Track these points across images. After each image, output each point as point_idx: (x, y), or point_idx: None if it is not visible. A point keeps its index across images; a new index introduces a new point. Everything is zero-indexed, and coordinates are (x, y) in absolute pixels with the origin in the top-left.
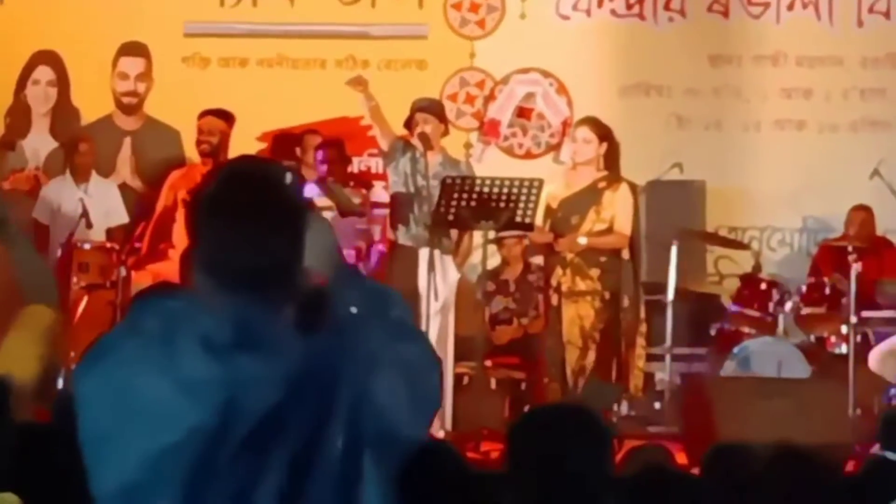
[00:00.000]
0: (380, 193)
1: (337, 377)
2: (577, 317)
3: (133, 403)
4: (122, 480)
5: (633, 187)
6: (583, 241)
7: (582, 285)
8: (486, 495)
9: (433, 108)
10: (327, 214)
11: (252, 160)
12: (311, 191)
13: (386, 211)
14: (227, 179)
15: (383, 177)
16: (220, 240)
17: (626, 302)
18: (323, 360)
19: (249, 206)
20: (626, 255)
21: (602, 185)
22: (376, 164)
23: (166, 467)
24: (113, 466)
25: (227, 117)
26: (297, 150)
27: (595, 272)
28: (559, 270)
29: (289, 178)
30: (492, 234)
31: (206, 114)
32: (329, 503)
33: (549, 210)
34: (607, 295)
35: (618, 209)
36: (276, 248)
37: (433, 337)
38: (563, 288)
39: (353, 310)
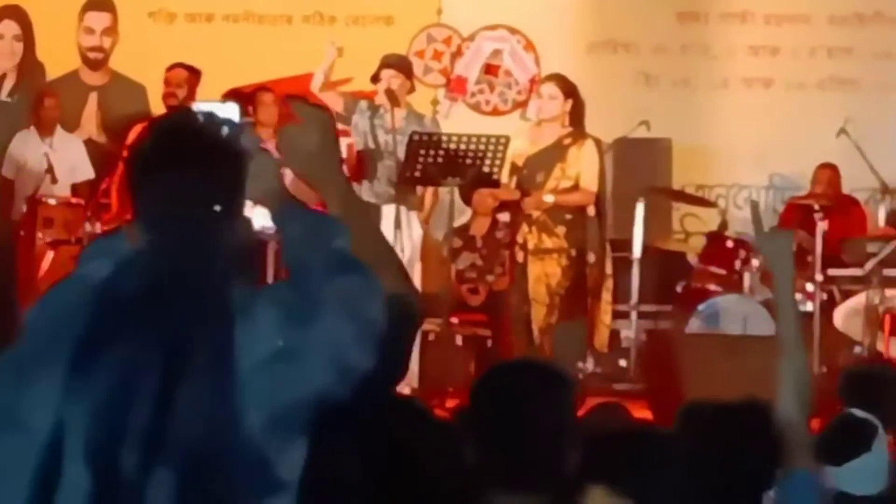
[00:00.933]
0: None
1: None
2: (544, 274)
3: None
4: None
5: (599, 143)
6: (549, 198)
7: (548, 242)
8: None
9: (400, 65)
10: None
11: (186, 113)
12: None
13: (345, 167)
14: (160, 133)
15: (345, 133)
16: (154, 193)
17: (591, 259)
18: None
19: (182, 158)
20: (592, 212)
21: (567, 141)
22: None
23: None
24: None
25: (194, 71)
26: (250, 108)
27: (561, 229)
28: (525, 227)
29: (225, 130)
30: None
31: (174, 67)
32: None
33: (514, 167)
34: (573, 252)
35: (583, 166)
36: (209, 199)
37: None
38: (530, 245)
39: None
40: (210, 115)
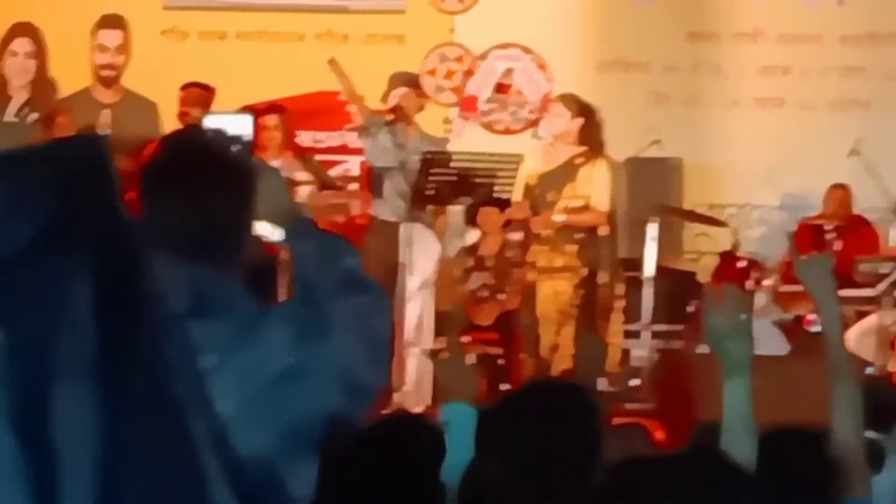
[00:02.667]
0: (354, 168)
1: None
2: (554, 293)
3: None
4: None
5: (612, 163)
6: (559, 218)
7: (558, 261)
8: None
9: (410, 83)
10: (305, 189)
11: (196, 130)
12: (290, 165)
13: (357, 185)
14: (171, 149)
15: (360, 151)
16: (165, 210)
17: (603, 278)
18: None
19: (192, 175)
20: (604, 231)
21: (579, 160)
22: (354, 139)
23: None
24: None
25: (208, 90)
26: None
27: (572, 248)
28: (536, 246)
29: (235, 144)
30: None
31: (188, 86)
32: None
33: (527, 187)
34: (584, 271)
35: (595, 186)
36: (219, 216)
37: (414, 312)
38: (540, 264)
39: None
40: (220, 132)
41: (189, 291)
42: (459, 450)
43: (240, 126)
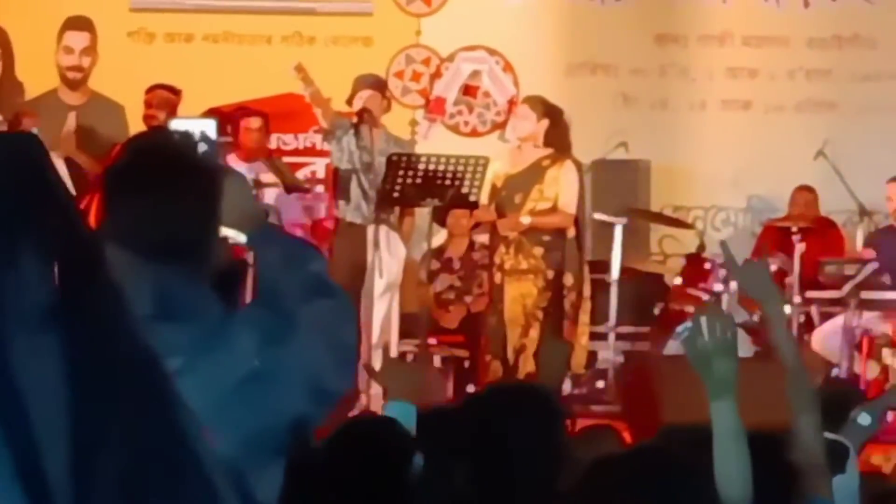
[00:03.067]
0: (320, 170)
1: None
2: (520, 295)
3: None
4: None
5: (579, 165)
6: (525, 220)
7: (525, 264)
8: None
9: (376, 84)
10: (272, 191)
11: (161, 132)
12: (256, 167)
13: (322, 188)
14: (135, 152)
15: (327, 153)
16: (130, 213)
17: (569, 281)
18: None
19: (157, 178)
20: (571, 233)
21: (546, 163)
22: (320, 141)
23: None
24: None
25: (174, 92)
26: (228, 128)
27: (538, 251)
28: (502, 248)
29: (201, 147)
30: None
31: (154, 88)
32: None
33: (494, 189)
34: (550, 274)
35: (562, 187)
36: (185, 219)
37: (380, 315)
38: (506, 266)
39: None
40: (185, 135)
41: (153, 295)
42: None
43: (204, 129)
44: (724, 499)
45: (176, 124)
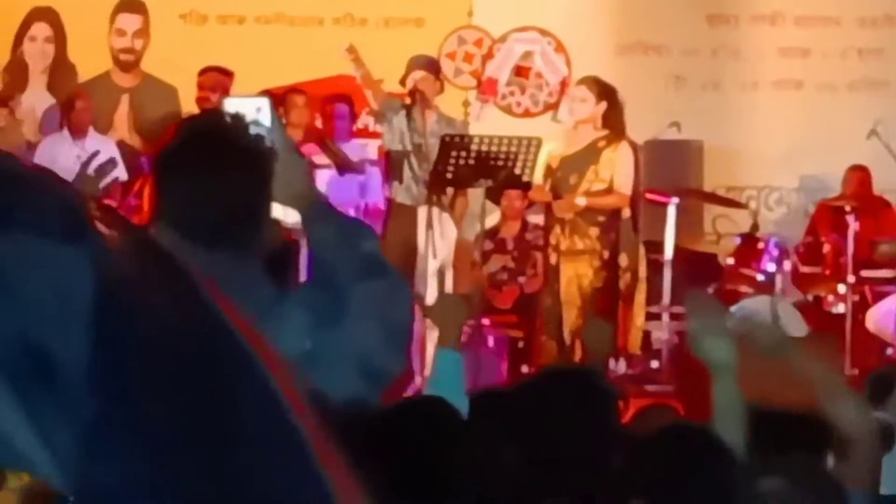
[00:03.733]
0: (372, 151)
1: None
2: (576, 276)
3: None
4: None
5: (634, 146)
6: (581, 201)
7: (580, 244)
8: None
9: (429, 66)
10: (325, 172)
11: (214, 114)
12: (309, 150)
13: (376, 168)
14: (187, 134)
15: (379, 135)
16: (181, 195)
17: (624, 261)
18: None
19: (209, 161)
20: (626, 214)
21: (602, 144)
22: (374, 123)
23: None
24: None
25: (227, 73)
26: (280, 110)
27: (594, 231)
28: (557, 229)
29: (254, 129)
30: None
31: (207, 70)
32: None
33: (549, 170)
34: (606, 254)
35: (617, 168)
36: (237, 202)
37: (432, 295)
38: (562, 247)
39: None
40: (237, 117)
41: (204, 275)
42: (442, 389)
43: (258, 107)
44: None
45: (230, 103)
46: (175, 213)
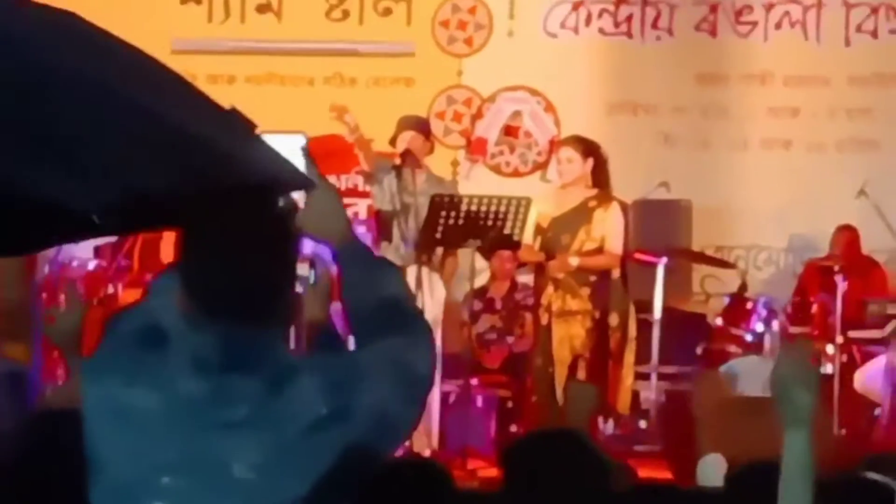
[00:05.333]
0: (361, 211)
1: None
2: (568, 336)
3: (127, 417)
4: (118, 487)
5: (624, 206)
6: (574, 261)
7: (573, 304)
8: None
9: (419, 126)
10: None
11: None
12: None
13: (364, 228)
14: (217, 200)
15: (368, 194)
16: (203, 261)
17: (615, 320)
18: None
19: (233, 233)
20: (616, 274)
21: (593, 203)
22: (363, 183)
23: (159, 477)
24: (110, 474)
25: None
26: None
27: (585, 291)
28: (550, 289)
29: (281, 200)
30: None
31: None
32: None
33: (539, 229)
34: (597, 314)
35: (608, 228)
36: (258, 275)
37: None
38: (554, 307)
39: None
40: (266, 185)
41: (221, 343)
42: None
43: (292, 146)
44: None
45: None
46: (195, 276)
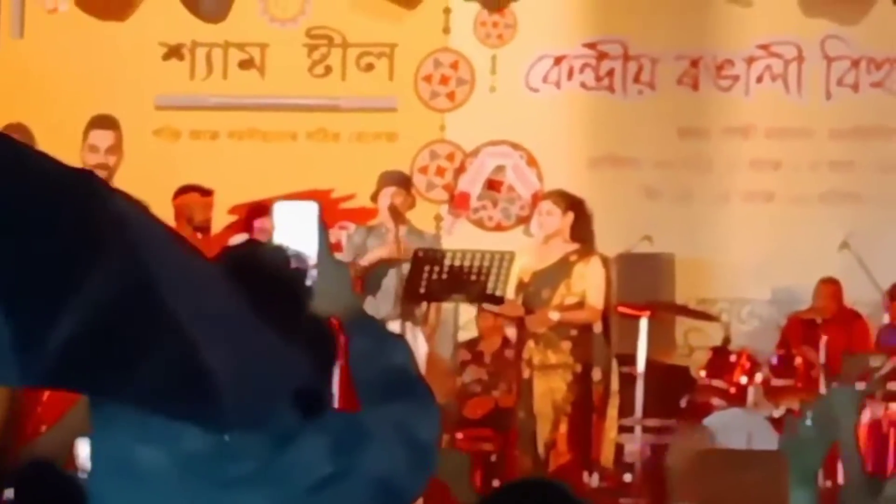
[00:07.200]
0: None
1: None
2: (549, 390)
3: (133, 473)
4: None
5: (606, 260)
6: (555, 316)
7: (553, 359)
8: None
9: (401, 181)
10: None
11: (254, 250)
12: None
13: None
14: (229, 265)
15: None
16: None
17: (597, 374)
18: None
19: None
20: (598, 328)
21: (573, 258)
22: (344, 237)
23: None
24: None
25: (207, 193)
26: (261, 222)
27: (566, 345)
28: (531, 343)
29: (293, 262)
30: (465, 306)
31: (187, 190)
32: None
33: (521, 283)
34: (578, 368)
35: (589, 283)
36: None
37: None
38: (535, 361)
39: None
40: (279, 249)
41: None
42: None
43: (305, 212)
44: None
45: (280, 206)
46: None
